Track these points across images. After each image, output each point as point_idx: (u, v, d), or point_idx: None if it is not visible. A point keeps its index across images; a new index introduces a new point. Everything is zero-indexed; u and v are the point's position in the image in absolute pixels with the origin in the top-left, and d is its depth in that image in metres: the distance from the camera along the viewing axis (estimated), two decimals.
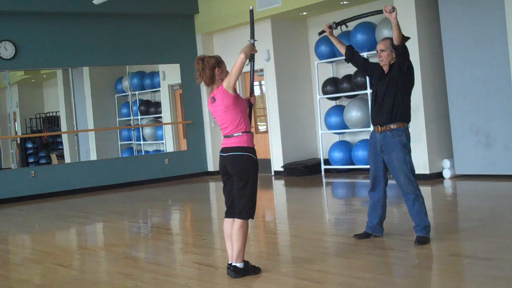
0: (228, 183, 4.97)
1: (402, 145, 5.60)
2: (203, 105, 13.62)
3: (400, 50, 5.55)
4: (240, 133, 4.85)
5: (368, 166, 10.95)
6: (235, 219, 4.87)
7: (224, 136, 4.93)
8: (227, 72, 4.92)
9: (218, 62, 4.92)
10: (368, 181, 6.15)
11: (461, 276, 4.70)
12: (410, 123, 10.09)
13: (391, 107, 5.61)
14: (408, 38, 5.56)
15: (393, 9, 5.36)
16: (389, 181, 6.06)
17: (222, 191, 5.02)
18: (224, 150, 4.92)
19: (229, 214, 5.00)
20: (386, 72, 5.74)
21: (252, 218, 4.92)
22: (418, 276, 4.74)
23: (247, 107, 4.97)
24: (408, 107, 5.71)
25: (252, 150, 4.88)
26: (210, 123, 13.53)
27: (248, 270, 4.90)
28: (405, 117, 5.67)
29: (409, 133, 5.70)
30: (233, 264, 4.87)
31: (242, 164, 4.82)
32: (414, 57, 9.71)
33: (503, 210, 7.21)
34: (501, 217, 6.82)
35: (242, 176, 4.83)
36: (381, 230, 5.88)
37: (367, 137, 11.44)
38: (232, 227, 4.97)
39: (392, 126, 5.62)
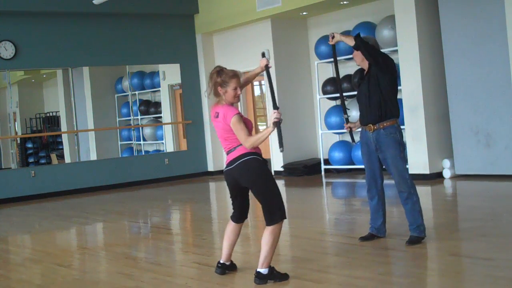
0: (239, 196, 4.92)
1: (397, 143, 5.59)
2: (203, 105, 13.62)
3: (373, 57, 5.57)
4: (239, 146, 4.72)
5: None
6: (267, 226, 4.70)
7: (227, 152, 4.83)
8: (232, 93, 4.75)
9: (223, 83, 4.76)
10: None
11: (461, 276, 4.70)
12: (410, 123, 10.13)
13: (379, 105, 5.58)
14: (359, 37, 5.61)
15: (333, 36, 5.71)
16: (387, 181, 6.06)
17: (232, 204, 5.00)
18: (228, 163, 4.81)
19: (236, 219, 5.02)
20: (366, 71, 5.75)
21: (285, 218, 4.70)
22: (418, 276, 4.74)
23: (252, 127, 4.80)
24: (395, 102, 5.68)
25: (256, 153, 4.73)
26: (210, 123, 13.52)
27: (273, 276, 4.70)
28: (395, 113, 5.64)
29: (400, 129, 5.69)
30: (257, 270, 4.70)
31: (251, 168, 4.68)
32: (414, 57, 9.72)
33: (503, 210, 7.20)
34: (501, 217, 6.81)
35: (255, 180, 4.69)
36: (384, 231, 5.87)
37: None
38: (233, 231, 5.00)
39: (385, 124, 5.60)
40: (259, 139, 4.62)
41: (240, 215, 5.02)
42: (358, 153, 11.08)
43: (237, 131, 4.64)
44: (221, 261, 5.04)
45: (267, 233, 4.65)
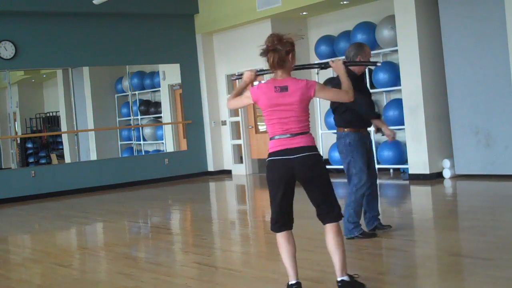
0: (289, 190, 4.29)
1: (339, 152, 5.95)
2: (203, 105, 13.61)
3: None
4: (307, 133, 4.18)
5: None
6: (330, 225, 4.29)
7: (294, 134, 4.14)
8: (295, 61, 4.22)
9: (293, 47, 4.15)
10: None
11: (461, 276, 4.70)
12: (410, 123, 10.12)
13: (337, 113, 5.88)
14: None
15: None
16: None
17: (278, 201, 4.32)
18: (288, 152, 4.14)
19: (287, 226, 4.39)
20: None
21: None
22: (418, 276, 4.74)
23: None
24: (346, 116, 5.79)
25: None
26: (210, 123, 13.53)
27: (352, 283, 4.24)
28: (343, 123, 5.84)
29: (347, 137, 5.81)
30: (339, 278, 4.18)
31: (321, 164, 4.22)
32: (414, 57, 9.72)
33: (503, 210, 7.20)
34: (501, 217, 6.82)
35: (322, 175, 4.21)
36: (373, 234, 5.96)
37: None
38: (289, 241, 4.31)
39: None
40: (349, 84, 4.29)
41: (288, 217, 4.46)
42: None
43: (329, 92, 4.35)
44: (291, 282, 4.21)
45: (336, 234, 4.33)
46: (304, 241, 6.21)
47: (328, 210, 4.28)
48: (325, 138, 12.16)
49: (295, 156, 4.12)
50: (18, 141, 12.99)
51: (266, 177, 4.32)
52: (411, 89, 9.80)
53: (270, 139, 4.22)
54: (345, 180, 6.09)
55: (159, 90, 14.11)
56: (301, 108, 4.12)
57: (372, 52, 10.63)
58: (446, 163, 9.81)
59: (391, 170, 10.83)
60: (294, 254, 4.26)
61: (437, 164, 9.87)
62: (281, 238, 4.28)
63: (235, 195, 11.53)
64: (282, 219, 4.32)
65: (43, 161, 13.24)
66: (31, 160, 13.23)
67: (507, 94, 9.01)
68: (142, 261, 6.09)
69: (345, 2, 11.11)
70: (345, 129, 5.82)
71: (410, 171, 9.92)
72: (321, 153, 4.33)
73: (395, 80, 10.43)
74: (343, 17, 11.63)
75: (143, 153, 13.87)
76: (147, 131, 14.08)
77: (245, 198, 10.87)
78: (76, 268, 6.00)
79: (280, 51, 4.07)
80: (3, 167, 12.59)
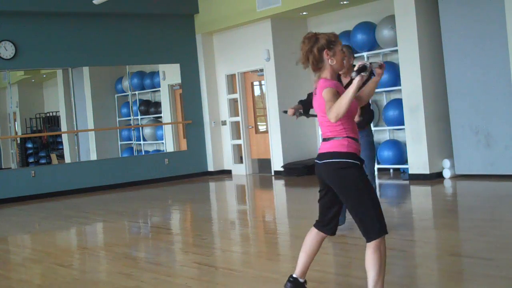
0: (327, 195, 3.94)
1: None
2: (203, 105, 13.61)
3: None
4: (340, 138, 3.80)
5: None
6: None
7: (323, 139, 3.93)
8: (342, 57, 3.84)
9: (330, 43, 3.80)
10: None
11: (461, 276, 4.70)
12: (410, 123, 10.17)
13: None
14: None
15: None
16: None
17: (318, 199, 4.06)
18: (319, 156, 3.91)
19: (319, 225, 4.09)
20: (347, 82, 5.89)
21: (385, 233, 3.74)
22: (418, 276, 4.74)
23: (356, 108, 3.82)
24: None
25: (351, 155, 3.78)
26: (210, 123, 13.53)
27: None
28: None
29: None
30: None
31: (344, 173, 3.75)
32: (414, 57, 9.72)
33: (503, 210, 7.20)
34: (501, 217, 6.82)
35: (345, 186, 3.76)
36: (343, 219, 6.06)
37: None
38: (313, 239, 4.09)
39: None
40: (342, 102, 3.54)
41: (322, 221, 4.04)
42: None
43: (326, 104, 3.68)
44: (293, 275, 4.11)
45: (371, 252, 3.71)
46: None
47: (359, 226, 3.76)
48: None
49: (321, 161, 3.87)
50: (18, 141, 12.99)
51: None
52: (411, 89, 9.80)
53: None
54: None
55: (159, 90, 14.11)
56: (324, 112, 3.75)
57: (372, 52, 10.77)
58: (446, 163, 9.81)
59: (391, 170, 10.84)
60: (310, 253, 4.07)
61: (437, 164, 9.87)
62: (308, 232, 4.10)
63: (235, 195, 11.53)
64: (319, 217, 4.06)
65: (43, 161, 13.23)
66: (31, 160, 13.22)
67: (507, 94, 9.01)
68: (142, 261, 6.09)
69: (345, 2, 11.11)
70: None
71: (410, 171, 9.92)
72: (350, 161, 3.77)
73: (395, 80, 10.43)
74: (343, 17, 11.63)
75: (143, 153, 13.87)
76: (147, 131, 14.08)
77: (245, 198, 10.87)
78: (76, 268, 6.01)
79: (311, 52, 3.85)
80: (3, 167, 12.59)
